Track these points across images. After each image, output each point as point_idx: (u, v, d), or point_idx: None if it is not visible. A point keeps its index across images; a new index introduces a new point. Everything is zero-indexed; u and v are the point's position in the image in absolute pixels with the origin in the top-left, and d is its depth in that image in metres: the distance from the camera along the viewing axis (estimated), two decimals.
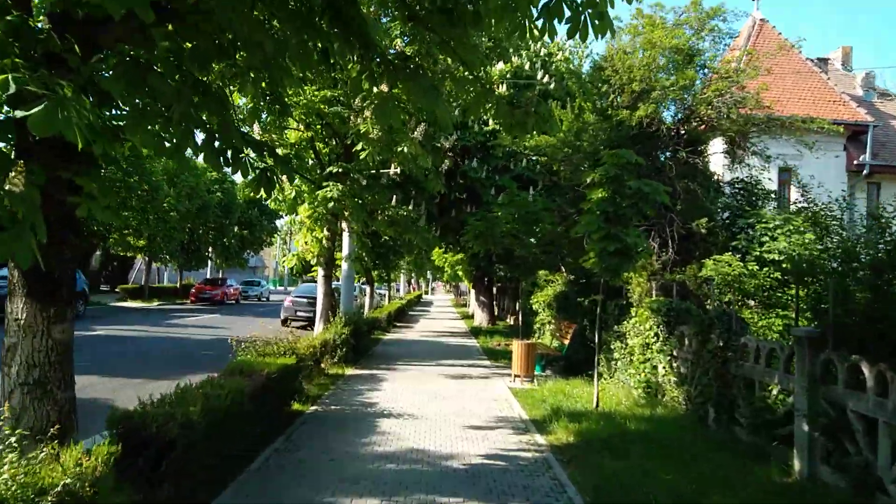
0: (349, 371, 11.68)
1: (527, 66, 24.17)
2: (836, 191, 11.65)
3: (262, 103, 6.08)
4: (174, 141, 3.76)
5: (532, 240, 14.99)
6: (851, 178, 22.23)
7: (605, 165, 8.26)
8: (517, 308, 28.63)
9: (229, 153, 4.32)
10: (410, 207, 18.41)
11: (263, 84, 4.82)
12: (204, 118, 4.12)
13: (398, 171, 17.36)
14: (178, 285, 40.88)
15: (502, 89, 20.50)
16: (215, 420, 5.09)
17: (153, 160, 32.84)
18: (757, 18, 23.16)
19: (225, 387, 5.58)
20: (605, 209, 8.12)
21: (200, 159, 4.42)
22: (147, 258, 37.19)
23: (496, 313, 29.43)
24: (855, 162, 22.13)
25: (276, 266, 67.84)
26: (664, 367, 9.10)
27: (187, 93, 3.70)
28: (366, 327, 15.39)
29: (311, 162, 13.55)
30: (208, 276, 44.45)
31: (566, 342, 12.64)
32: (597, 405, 8.57)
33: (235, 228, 44.24)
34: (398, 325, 25.44)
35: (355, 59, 4.60)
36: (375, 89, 4.99)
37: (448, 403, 8.94)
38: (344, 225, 18.56)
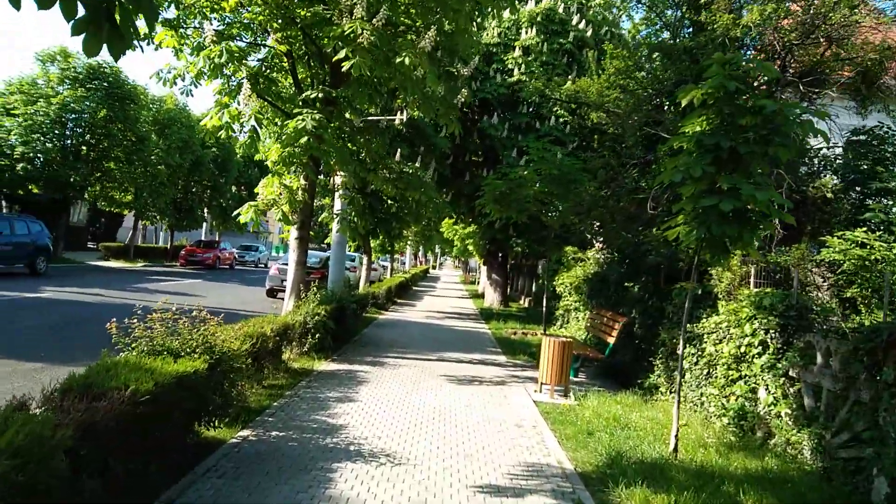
0: (321, 365, 8.80)
1: (560, 9, 20.83)
2: None
3: None
4: None
5: (564, 205, 11.94)
6: None
7: (715, 77, 5.19)
8: (533, 289, 25.69)
9: None
10: (417, 165, 15.47)
11: None
12: None
13: (404, 118, 14.37)
14: (168, 246, 38.18)
15: (532, 32, 17.26)
16: None
17: (140, 107, 29.95)
18: None
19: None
20: (716, 143, 5.07)
21: None
22: (134, 215, 34.47)
23: (509, 294, 26.50)
24: None
25: (279, 230, 65.30)
26: (773, 394, 6.14)
27: None
28: (355, 305, 12.50)
29: (287, 93, 10.52)
30: (203, 239, 41.72)
31: (609, 339, 9.66)
32: (675, 449, 5.64)
33: (233, 188, 41.31)
34: (399, 301, 22.59)
35: None
36: None
37: (449, 432, 6.03)
38: (337, 180, 15.60)
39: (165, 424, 4.25)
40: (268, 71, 9.66)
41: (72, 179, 27.13)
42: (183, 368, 4.45)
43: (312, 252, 23.15)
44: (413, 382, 8.21)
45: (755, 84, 5.71)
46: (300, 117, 8.12)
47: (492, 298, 23.78)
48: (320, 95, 8.77)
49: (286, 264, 20.88)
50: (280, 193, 9.25)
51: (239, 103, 8.34)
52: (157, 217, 34.93)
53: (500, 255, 23.82)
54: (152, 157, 30.62)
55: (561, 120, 19.39)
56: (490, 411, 6.98)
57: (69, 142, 27.42)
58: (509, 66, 19.71)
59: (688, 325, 7.92)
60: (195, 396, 4.75)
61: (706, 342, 7.40)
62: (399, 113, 16.19)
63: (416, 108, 9.76)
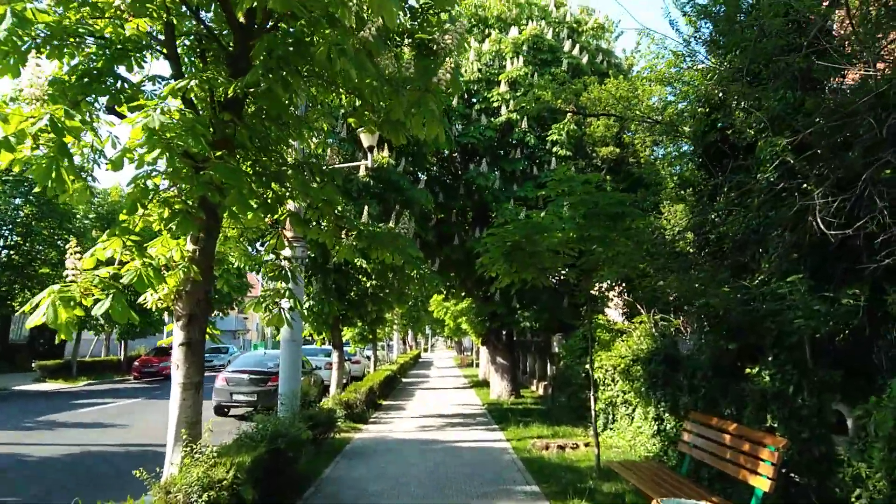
0: None
1: (549, 35, 17.68)
2: None
3: None
4: None
5: (610, 253, 7.95)
6: None
7: None
8: (548, 372, 21.32)
9: None
10: (391, 225, 11.53)
11: None
12: None
13: (369, 162, 10.61)
14: (120, 358, 33.37)
15: (518, 63, 13.84)
16: None
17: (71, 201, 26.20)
18: None
19: None
20: None
21: None
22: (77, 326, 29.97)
23: (518, 379, 22.04)
24: None
25: (258, 326, 60.75)
26: None
27: None
28: (309, 433, 8.18)
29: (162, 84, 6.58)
30: (163, 345, 36.95)
31: (752, 478, 5.40)
32: None
33: None
34: (384, 403, 18.07)
35: None
36: None
37: None
38: (286, 252, 11.55)
39: None
40: (123, 61, 5.72)
41: None
42: None
43: (272, 353, 18.77)
44: None
45: None
46: (142, 112, 4.18)
47: (500, 388, 19.36)
48: (193, 84, 4.85)
49: (236, 372, 16.36)
50: (141, 264, 5.11)
51: (22, 99, 4.38)
52: (103, 325, 30.36)
53: (504, 332, 19.60)
54: None
55: (563, 162, 15.76)
56: None
57: None
58: (495, 104, 16.27)
59: None
60: None
61: None
62: (363, 157, 12.45)
63: (370, 102, 5.80)
